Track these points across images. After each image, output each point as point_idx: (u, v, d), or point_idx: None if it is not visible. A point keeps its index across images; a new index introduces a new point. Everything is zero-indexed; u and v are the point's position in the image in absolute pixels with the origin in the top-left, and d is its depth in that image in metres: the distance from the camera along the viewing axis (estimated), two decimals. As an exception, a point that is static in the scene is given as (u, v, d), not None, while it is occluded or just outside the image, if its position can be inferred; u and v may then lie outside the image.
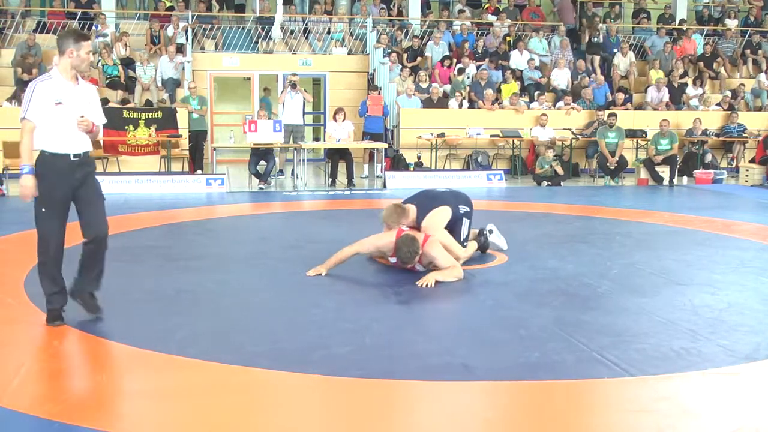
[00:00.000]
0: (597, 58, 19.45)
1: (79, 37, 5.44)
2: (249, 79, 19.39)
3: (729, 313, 5.93)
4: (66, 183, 5.32)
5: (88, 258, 5.46)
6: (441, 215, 7.34)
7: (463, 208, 7.61)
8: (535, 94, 17.93)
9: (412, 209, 7.31)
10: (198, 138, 15.87)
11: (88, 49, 5.47)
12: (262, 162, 14.35)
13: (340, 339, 5.19)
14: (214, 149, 15.19)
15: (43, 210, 5.32)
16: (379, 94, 16.41)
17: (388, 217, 7.21)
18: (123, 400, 4.19)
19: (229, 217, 10.89)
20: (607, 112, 16.68)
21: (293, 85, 15.52)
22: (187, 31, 18.12)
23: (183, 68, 17.32)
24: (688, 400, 4.29)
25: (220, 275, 7.12)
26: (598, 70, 19.20)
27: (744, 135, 17.78)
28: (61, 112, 5.33)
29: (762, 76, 19.86)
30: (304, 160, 14.69)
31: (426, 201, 7.49)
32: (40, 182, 5.28)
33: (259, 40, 19.23)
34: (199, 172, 15.07)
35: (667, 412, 4.08)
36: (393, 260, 7.11)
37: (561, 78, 18.40)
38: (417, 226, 7.24)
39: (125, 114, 15.48)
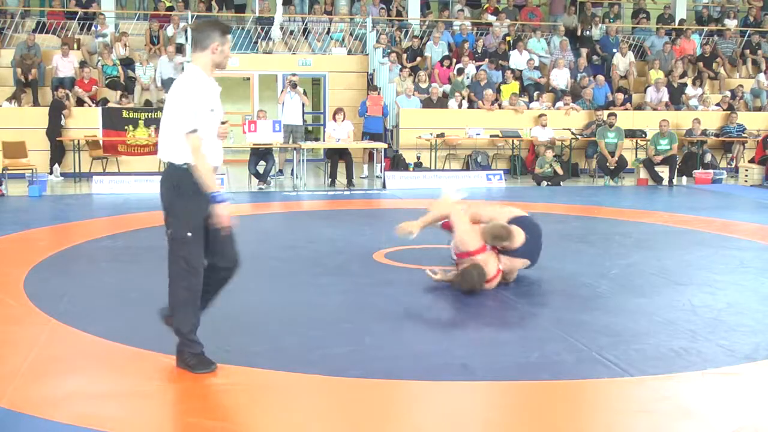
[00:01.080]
0: (585, 51, 19.45)
1: (225, 30, 4.66)
2: (248, 79, 19.39)
3: (728, 313, 5.94)
4: (208, 202, 4.52)
5: (217, 285, 4.82)
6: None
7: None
8: (535, 94, 17.94)
9: (519, 236, 6.66)
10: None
11: (230, 44, 4.76)
12: (262, 162, 14.35)
13: (339, 339, 5.19)
14: (214, 149, 15.16)
15: (189, 235, 4.53)
16: (378, 94, 16.40)
17: (490, 236, 6.60)
18: (123, 401, 4.19)
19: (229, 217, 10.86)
20: (606, 112, 16.67)
21: (293, 85, 15.53)
22: (186, 31, 18.11)
23: (182, 68, 17.31)
24: (687, 400, 4.30)
25: (219, 275, 7.11)
26: (585, 63, 19.14)
27: (743, 135, 17.78)
28: (213, 120, 4.58)
29: (761, 76, 19.86)
30: (303, 160, 14.69)
31: (532, 234, 6.83)
32: (188, 202, 4.51)
33: (259, 40, 19.23)
34: (198, 172, 15.03)
35: (666, 412, 4.09)
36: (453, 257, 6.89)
37: (560, 78, 18.41)
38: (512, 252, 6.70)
39: (125, 114, 15.49)
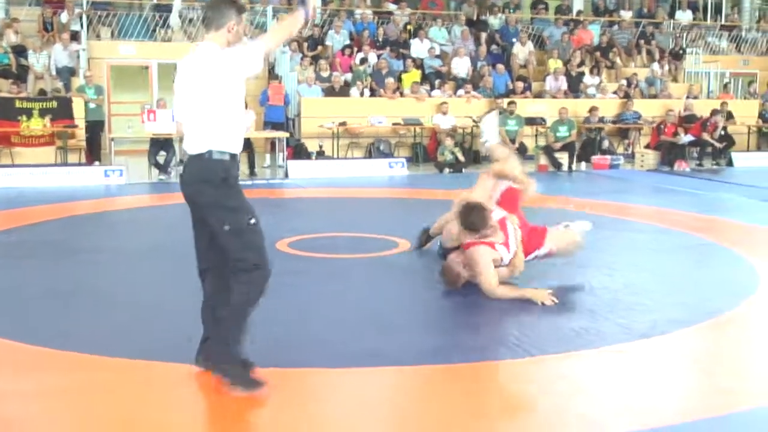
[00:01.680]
0: (484, 35, 19.73)
1: (241, 9, 4.30)
2: (147, 68, 19.01)
3: (625, 293, 6.12)
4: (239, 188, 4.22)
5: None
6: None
7: None
8: (436, 82, 18.07)
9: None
10: (95, 128, 15.48)
11: (244, 23, 4.36)
12: (162, 152, 14.10)
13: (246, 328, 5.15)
14: (112, 140, 14.80)
15: (253, 221, 4.11)
16: (280, 83, 16.28)
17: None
18: (21, 401, 4.07)
19: (129, 209, 10.67)
20: (506, 100, 16.93)
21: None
22: (81, 18, 17.63)
23: (78, 56, 16.88)
24: (584, 378, 4.44)
25: (120, 269, 6.99)
26: (484, 44, 19.42)
27: (639, 122, 18.30)
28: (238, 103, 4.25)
29: (655, 66, 20.45)
30: (205, 150, 14.46)
31: None
32: (229, 189, 4.12)
33: (157, 28, 18.86)
34: (96, 163, 14.70)
35: (564, 390, 4.21)
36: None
37: (461, 67, 18.59)
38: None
39: (18, 104, 14.98)
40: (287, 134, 15.51)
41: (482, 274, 5.93)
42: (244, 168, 14.50)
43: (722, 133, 17.44)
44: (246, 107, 14.45)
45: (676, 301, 5.96)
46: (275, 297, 6.03)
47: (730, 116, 18.68)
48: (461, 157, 15.44)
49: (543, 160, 16.03)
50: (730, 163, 17.22)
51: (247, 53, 4.10)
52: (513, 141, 15.87)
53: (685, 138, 16.74)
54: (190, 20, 19.06)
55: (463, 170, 15.30)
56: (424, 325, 5.36)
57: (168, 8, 18.82)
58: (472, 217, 6.02)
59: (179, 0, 18.51)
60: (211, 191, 4.07)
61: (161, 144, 14.08)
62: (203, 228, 4.24)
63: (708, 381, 4.44)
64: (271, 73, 17.89)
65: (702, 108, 18.41)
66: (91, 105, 15.42)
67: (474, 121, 16.89)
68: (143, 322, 5.40)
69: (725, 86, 20.89)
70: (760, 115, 19.72)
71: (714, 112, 17.36)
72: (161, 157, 14.05)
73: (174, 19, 18.59)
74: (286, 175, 14.25)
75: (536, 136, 17.53)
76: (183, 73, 4.24)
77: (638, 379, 4.40)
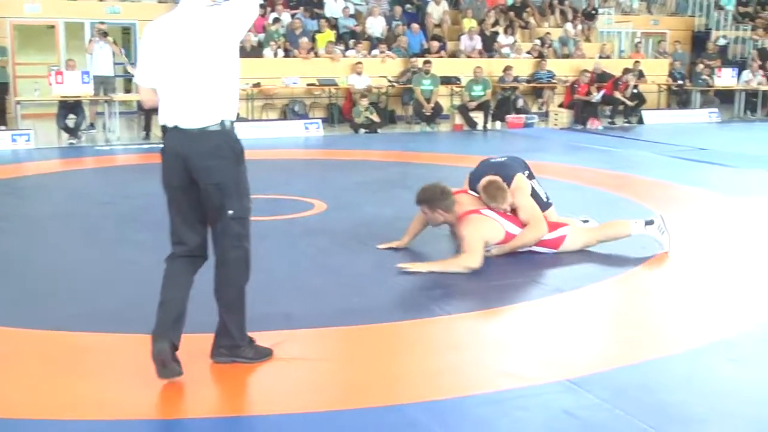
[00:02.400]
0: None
1: None
2: (53, 27, 18.42)
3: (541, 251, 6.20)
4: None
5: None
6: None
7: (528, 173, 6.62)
8: (351, 42, 17.94)
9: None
10: (-1, 91, 15.00)
11: None
12: (72, 116, 13.71)
13: (157, 296, 5.06)
14: (18, 103, 14.34)
15: (251, 206, 3.91)
16: (192, 43, 15.94)
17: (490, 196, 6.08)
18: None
19: (38, 174, 10.36)
20: (421, 59, 16.91)
21: (103, 34, 14.88)
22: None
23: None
24: (502, 333, 4.51)
25: (30, 236, 6.80)
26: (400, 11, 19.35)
27: (553, 81, 18.50)
28: None
29: (568, 26, 20.67)
30: (116, 113, 14.14)
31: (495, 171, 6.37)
32: (239, 167, 3.83)
33: (63, -15, 18.29)
34: (2, 127, 14.24)
35: (482, 346, 4.27)
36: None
37: (376, 26, 18.49)
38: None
39: None
40: (201, 96, 15.21)
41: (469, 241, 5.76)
42: (156, 131, 14.23)
43: (634, 91, 17.76)
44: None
45: (588, 256, 6.07)
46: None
47: (641, 75, 19.01)
48: (376, 118, 15.40)
49: (458, 120, 16.10)
50: (641, 121, 17.56)
51: (243, 3, 3.76)
52: (428, 101, 15.88)
53: (597, 96, 16.98)
54: (99, -22, 18.53)
55: (378, 131, 15.28)
56: (338, 286, 5.34)
57: (74, -35, 18.26)
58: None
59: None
60: (230, 169, 3.77)
61: (70, 107, 13.67)
62: (197, 208, 3.88)
63: (618, 332, 4.55)
64: (183, 34, 17.51)
65: (614, 67, 18.68)
66: (-6, 67, 14.91)
67: (389, 80, 16.86)
68: (54, 290, 5.26)
69: (636, 46, 21.23)
70: (670, 74, 20.12)
71: (626, 71, 17.64)
72: (71, 120, 13.66)
73: (80, -23, 18.05)
74: (200, 138, 13.97)
75: (451, 95, 17.57)
76: (167, 35, 3.76)
77: (552, 333, 4.47)
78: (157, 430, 3.50)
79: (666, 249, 6.06)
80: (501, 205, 6.00)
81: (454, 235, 6.20)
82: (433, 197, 6.00)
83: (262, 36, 17.31)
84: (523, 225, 6.01)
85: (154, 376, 3.73)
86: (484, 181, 6.13)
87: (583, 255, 6.08)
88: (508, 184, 6.13)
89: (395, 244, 6.27)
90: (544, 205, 6.35)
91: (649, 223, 6.16)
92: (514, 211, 6.09)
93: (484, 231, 5.86)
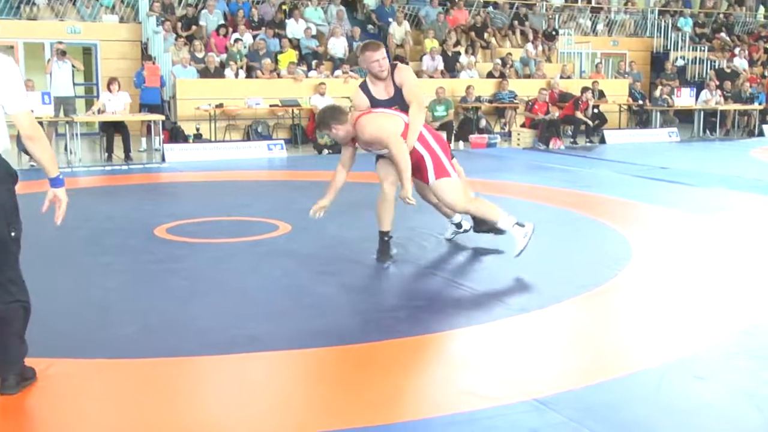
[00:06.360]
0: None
1: None
2: (12, 47, 18.24)
3: (503, 269, 6.22)
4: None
5: None
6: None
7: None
8: (313, 62, 17.96)
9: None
10: (-43, 113, 14.78)
11: None
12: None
13: (123, 319, 5.00)
14: (-23, 125, 14.15)
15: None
16: (154, 63, 15.87)
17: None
18: None
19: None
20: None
21: (62, 53, 14.76)
22: None
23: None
24: (468, 353, 4.49)
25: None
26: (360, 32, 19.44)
27: (515, 101, 18.64)
28: None
29: (529, 46, 20.87)
30: (77, 134, 14.00)
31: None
32: (12, 190, 3.90)
33: (22, 5, 18.11)
34: (-41, 149, 14.04)
35: (448, 366, 4.26)
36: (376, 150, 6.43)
37: (338, 47, 18.53)
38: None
39: None
40: (163, 117, 15.14)
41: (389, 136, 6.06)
42: (119, 152, 14.12)
43: (595, 111, 17.95)
44: (119, 88, 14.12)
45: (552, 275, 6.09)
46: (152, 284, 5.91)
47: (602, 95, 19.23)
48: (340, 138, 15.38)
49: (422, 140, 16.12)
50: (602, 141, 17.74)
51: (20, 83, 3.78)
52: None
53: (553, 114, 17.11)
54: (58, -3, 18.41)
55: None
56: (303, 308, 5.31)
57: (33, -15, 18.12)
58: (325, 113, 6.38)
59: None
60: (10, 191, 3.84)
61: (29, 128, 13.50)
62: None
63: (584, 351, 4.55)
64: (144, 54, 17.45)
65: (575, 87, 18.89)
66: (-48, 88, 14.68)
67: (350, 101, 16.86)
68: None
69: (597, 66, 21.47)
70: (630, 94, 20.37)
71: (584, 90, 17.84)
72: (30, 142, 13.48)
73: (40, -4, 17.93)
74: (163, 159, 13.91)
75: (415, 116, 17.57)
76: None
77: (518, 352, 4.47)
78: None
79: (515, 254, 6.19)
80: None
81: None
82: (324, 117, 6.32)
83: (224, 56, 17.27)
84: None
85: (114, 403, 3.67)
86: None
87: (546, 274, 6.10)
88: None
89: (323, 202, 6.49)
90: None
91: (520, 225, 6.29)
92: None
93: (384, 123, 6.14)
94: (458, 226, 7.14)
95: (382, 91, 6.47)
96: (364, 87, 6.56)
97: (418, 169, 6.21)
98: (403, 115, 6.22)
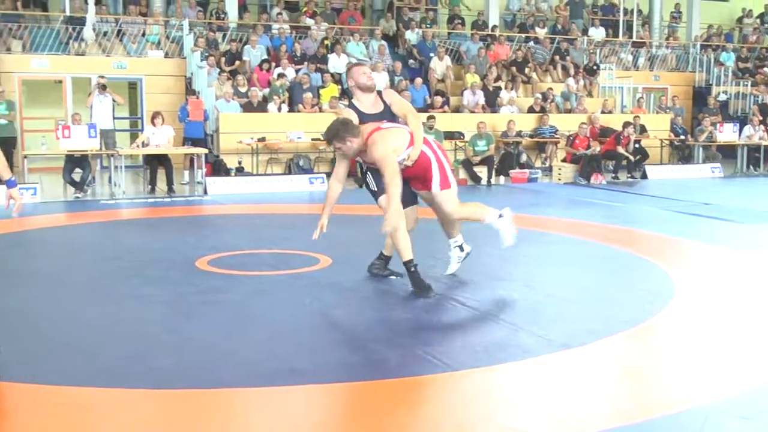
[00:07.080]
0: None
1: None
2: (60, 82, 18.60)
3: (545, 305, 6.17)
4: None
5: None
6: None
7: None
8: (355, 97, 18.04)
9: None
10: (6, 145, 14.98)
11: None
12: (78, 169, 13.77)
13: (162, 351, 5.04)
14: (25, 157, 14.43)
15: None
16: (198, 98, 16.08)
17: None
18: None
19: (43, 228, 10.37)
20: (425, 114, 17.02)
21: (102, 87, 15.00)
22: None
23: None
24: (508, 390, 4.44)
25: (32, 292, 6.75)
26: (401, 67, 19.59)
27: (556, 136, 18.59)
28: None
29: (570, 81, 20.84)
30: (121, 167, 14.20)
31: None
32: None
33: (71, 41, 18.49)
34: (8, 181, 14.27)
35: (488, 403, 4.21)
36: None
37: (379, 81, 18.62)
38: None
39: None
40: (206, 150, 15.32)
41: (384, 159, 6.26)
42: (162, 185, 14.29)
43: (636, 146, 17.84)
44: (162, 122, 14.33)
45: (595, 311, 6.03)
46: (193, 316, 5.95)
47: (643, 130, 19.11)
48: (381, 172, 15.42)
49: (462, 174, 16.14)
50: (644, 176, 17.60)
51: None
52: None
53: (594, 149, 17.02)
54: (105, 33, 18.75)
55: (384, 185, 15.27)
56: (343, 342, 5.31)
57: (80, 21, 18.50)
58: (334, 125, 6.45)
59: (93, 13, 18.19)
60: None
61: (77, 161, 13.76)
62: None
63: (628, 388, 4.48)
64: (188, 88, 17.70)
65: (617, 122, 18.79)
66: (2, 121, 15.01)
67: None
68: (57, 346, 5.23)
69: (638, 101, 21.37)
70: (672, 129, 20.23)
71: (626, 125, 17.72)
72: (77, 174, 13.73)
73: (88, 32, 18.28)
74: (205, 192, 14.06)
75: (455, 150, 17.65)
76: None
77: (560, 389, 4.41)
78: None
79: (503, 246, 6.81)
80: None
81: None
82: (338, 131, 6.39)
83: (267, 91, 17.46)
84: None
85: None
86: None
87: (589, 310, 6.04)
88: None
89: (322, 220, 6.85)
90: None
91: (501, 216, 6.86)
92: None
93: (390, 141, 6.32)
94: (461, 248, 7.23)
95: (370, 106, 6.74)
96: (351, 106, 6.82)
97: (424, 177, 6.60)
98: (406, 127, 6.57)
